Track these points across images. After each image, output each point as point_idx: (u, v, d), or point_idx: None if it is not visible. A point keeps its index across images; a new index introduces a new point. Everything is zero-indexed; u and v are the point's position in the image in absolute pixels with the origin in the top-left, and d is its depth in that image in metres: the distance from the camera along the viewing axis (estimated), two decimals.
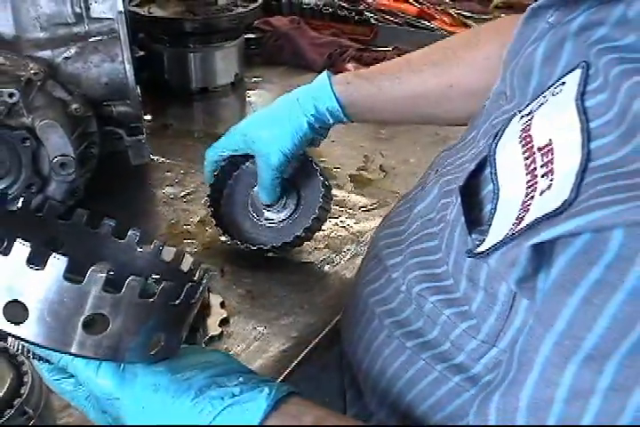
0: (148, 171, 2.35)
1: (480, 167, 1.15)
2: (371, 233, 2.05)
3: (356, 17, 3.58)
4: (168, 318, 1.08)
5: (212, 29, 2.84)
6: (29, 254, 1.01)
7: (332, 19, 3.59)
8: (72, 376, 1.14)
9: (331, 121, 1.78)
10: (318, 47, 3.21)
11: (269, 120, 1.76)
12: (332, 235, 2.09)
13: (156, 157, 2.39)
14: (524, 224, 0.94)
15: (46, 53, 1.94)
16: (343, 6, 3.72)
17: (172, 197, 2.23)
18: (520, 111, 1.12)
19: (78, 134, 1.91)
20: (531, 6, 1.18)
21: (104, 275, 1.01)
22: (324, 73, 1.73)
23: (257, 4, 2.95)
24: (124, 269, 1.29)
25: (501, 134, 1.13)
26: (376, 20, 3.60)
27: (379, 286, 1.38)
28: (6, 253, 1.01)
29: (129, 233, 1.36)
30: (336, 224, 2.14)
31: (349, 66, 3.06)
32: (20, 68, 1.86)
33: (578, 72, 1.01)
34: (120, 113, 2.02)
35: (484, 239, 1.06)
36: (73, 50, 1.95)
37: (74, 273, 1.03)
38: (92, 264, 1.04)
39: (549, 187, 0.95)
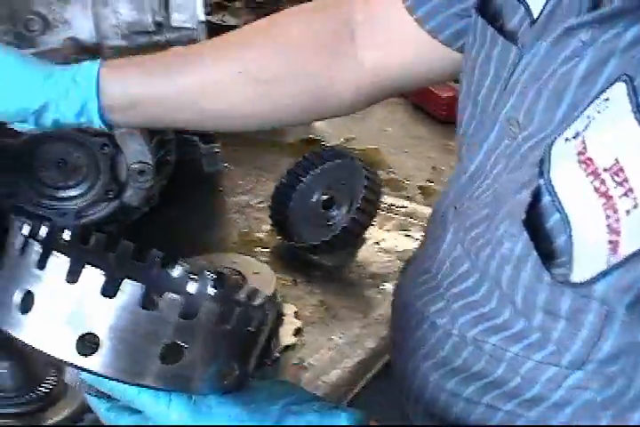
0: (219, 178, 2.36)
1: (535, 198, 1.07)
2: None
3: None
4: (241, 346, 1.05)
5: None
6: (102, 282, 0.97)
7: None
8: (134, 413, 1.07)
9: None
10: None
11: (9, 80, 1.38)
12: (403, 248, 2.08)
13: (226, 164, 2.39)
14: (628, 248, 0.93)
15: None
16: None
17: (243, 204, 2.25)
18: (560, 134, 1.06)
19: (156, 142, 1.93)
20: (565, 26, 1.11)
21: (180, 301, 0.98)
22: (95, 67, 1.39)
23: None
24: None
25: (549, 161, 1.06)
26: None
27: (421, 337, 1.32)
28: (74, 280, 0.98)
29: (177, 266, 1.33)
30: (406, 236, 2.14)
31: None
32: None
33: (622, 85, 0.97)
34: None
35: (570, 269, 1.02)
36: None
37: None
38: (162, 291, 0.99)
39: (636, 206, 0.93)
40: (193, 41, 1.95)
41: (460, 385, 1.24)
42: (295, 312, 1.81)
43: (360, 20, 1.41)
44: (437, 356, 1.28)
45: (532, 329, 1.13)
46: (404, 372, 1.36)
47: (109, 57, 1.86)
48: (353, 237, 1.98)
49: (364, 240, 2.10)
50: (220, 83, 1.39)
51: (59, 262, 0.98)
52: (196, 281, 1.27)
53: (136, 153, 1.87)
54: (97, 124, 1.37)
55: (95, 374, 0.98)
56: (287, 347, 1.72)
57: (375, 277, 1.98)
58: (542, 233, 1.07)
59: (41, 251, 1.00)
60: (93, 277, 0.96)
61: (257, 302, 1.20)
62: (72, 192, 1.96)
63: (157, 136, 1.94)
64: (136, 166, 1.87)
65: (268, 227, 2.13)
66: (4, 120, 1.37)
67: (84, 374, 1.03)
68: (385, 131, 2.70)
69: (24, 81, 1.32)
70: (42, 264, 0.99)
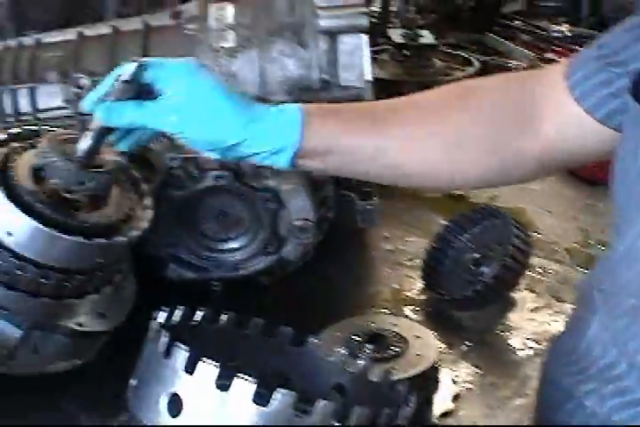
0: (368, 232, 2.36)
1: None
2: None
3: None
4: None
5: None
6: (218, 375, 1.00)
7: None
8: None
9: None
10: None
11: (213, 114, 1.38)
12: (554, 313, 2.06)
13: None
14: None
15: None
16: None
17: (393, 261, 2.24)
18: None
19: (318, 198, 1.94)
20: None
21: (333, 407, 0.99)
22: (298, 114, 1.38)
23: (475, 69, 2.95)
24: (307, 380, 1.26)
25: None
26: None
27: (567, 415, 1.30)
28: (225, 387, 1.00)
29: (309, 341, 1.33)
30: (558, 301, 2.12)
31: None
32: None
33: None
34: None
35: None
36: None
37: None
38: (278, 385, 1.00)
39: None
40: (359, 99, 1.96)
41: None
42: (453, 378, 1.78)
43: (538, 95, 1.41)
44: None
45: None
46: None
47: None
48: (500, 292, 1.97)
49: (515, 303, 2.07)
50: (417, 141, 1.39)
51: (209, 369, 1.00)
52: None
53: (300, 209, 1.88)
54: (284, 165, 1.37)
55: None
56: (445, 413, 1.69)
57: (530, 344, 1.94)
58: None
59: (188, 355, 1.03)
60: (245, 386, 0.98)
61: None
62: (231, 244, 1.98)
63: (320, 193, 1.95)
64: (299, 223, 1.89)
65: (419, 285, 2.12)
66: (195, 147, 1.39)
67: None
68: (530, 189, 2.67)
69: (227, 115, 1.33)
70: (190, 369, 1.02)
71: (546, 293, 2.15)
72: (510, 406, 1.74)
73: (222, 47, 2.01)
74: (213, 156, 1.40)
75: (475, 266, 2.07)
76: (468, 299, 1.96)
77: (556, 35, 4.34)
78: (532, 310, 2.07)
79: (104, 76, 1.73)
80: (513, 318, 2.04)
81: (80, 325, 1.75)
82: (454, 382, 1.78)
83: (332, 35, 1.93)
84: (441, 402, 1.71)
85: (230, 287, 2.01)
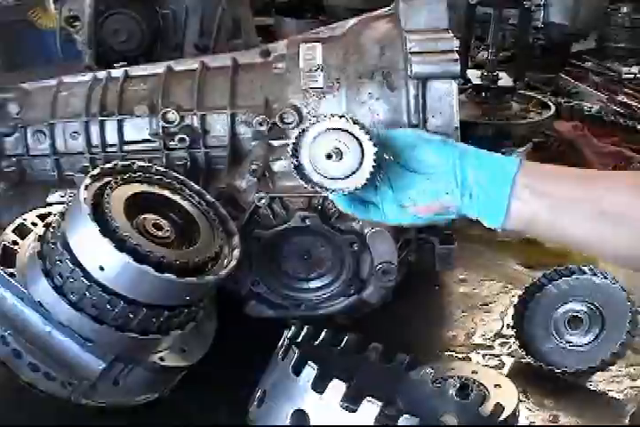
0: (443, 274, 2.36)
1: None
2: None
3: (638, 125, 3.53)
4: None
5: (506, 135, 2.86)
6: (344, 396, 1.05)
7: (613, 126, 3.55)
8: None
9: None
10: (602, 157, 3.18)
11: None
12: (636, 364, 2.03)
13: None
14: None
15: None
16: (620, 112, 3.69)
17: (469, 304, 2.24)
18: None
19: (401, 242, 1.94)
20: None
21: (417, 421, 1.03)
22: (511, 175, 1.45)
23: (551, 113, 2.95)
24: (416, 406, 1.28)
25: None
26: None
27: None
28: (353, 409, 1.05)
29: (422, 371, 1.36)
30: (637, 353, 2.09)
31: None
32: None
33: None
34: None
35: None
36: None
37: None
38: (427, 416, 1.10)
39: None
40: None
41: None
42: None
43: None
44: None
45: None
46: None
47: None
48: (607, 366, 1.94)
49: None
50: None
51: (337, 390, 1.05)
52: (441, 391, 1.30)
53: (383, 253, 1.89)
54: None
55: None
56: None
57: (609, 395, 1.92)
58: None
59: (317, 374, 1.08)
60: (370, 408, 1.03)
61: (501, 417, 1.21)
62: (313, 284, 1.99)
63: (402, 237, 1.95)
64: (382, 266, 1.89)
65: (494, 330, 2.11)
66: None
67: None
68: None
69: None
70: (319, 388, 1.06)
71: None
72: None
73: (311, 88, 2.02)
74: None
75: (567, 327, 2.04)
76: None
77: (627, 76, 4.33)
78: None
79: (191, 111, 1.79)
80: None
81: (162, 359, 1.77)
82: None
83: (423, 80, 1.94)
84: None
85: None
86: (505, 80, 3.01)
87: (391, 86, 1.97)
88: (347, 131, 1.42)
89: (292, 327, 1.22)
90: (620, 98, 4.00)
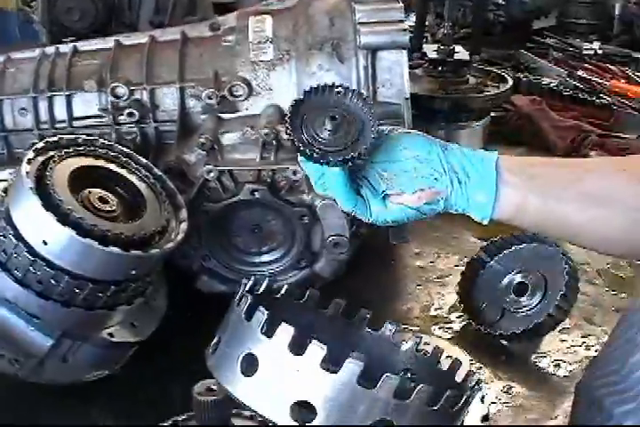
0: (398, 249, 2.35)
1: None
2: None
3: (596, 100, 3.52)
4: (446, 424, 1.10)
5: (463, 109, 2.85)
6: (324, 357, 1.04)
7: (572, 100, 3.55)
8: None
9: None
10: (560, 130, 3.18)
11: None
12: (588, 336, 2.04)
13: None
14: None
15: None
16: (579, 87, 3.69)
17: (425, 278, 2.23)
18: None
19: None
20: None
21: (397, 382, 1.03)
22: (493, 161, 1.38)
23: (509, 86, 2.94)
24: (378, 363, 1.29)
25: None
26: (613, 103, 3.55)
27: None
28: (299, 352, 1.05)
29: (385, 326, 1.37)
30: (590, 324, 2.09)
31: (593, 153, 3.01)
32: None
33: None
34: None
35: None
36: None
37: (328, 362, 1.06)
38: (384, 370, 1.06)
39: None
40: (397, 116, 1.95)
41: None
42: (482, 397, 1.77)
43: None
44: None
45: None
46: None
47: None
48: (545, 331, 1.94)
49: None
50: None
51: (286, 333, 1.05)
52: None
53: (334, 225, 1.87)
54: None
55: None
56: None
57: (562, 366, 1.92)
58: None
59: (268, 319, 1.08)
60: (317, 351, 1.03)
61: (469, 383, 1.22)
62: (264, 258, 1.98)
63: None
64: (333, 239, 1.87)
65: (449, 303, 2.10)
66: None
67: None
68: None
69: None
70: (269, 333, 1.07)
71: (577, 315, 2.13)
72: None
73: (261, 60, 2.00)
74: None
75: (515, 294, 2.03)
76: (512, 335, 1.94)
77: (587, 52, 4.33)
78: (562, 332, 2.05)
79: (140, 85, 1.77)
80: (544, 339, 2.01)
81: (111, 335, 1.74)
82: (482, 401, 1.76)
83: (372, 51, 1.92)
84: (470, 422, 1.69)
85: None
86: (461, 54, 3.00)
87: (341, 57, 1.96)
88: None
89: (252, 278, 1.22)
90: (580, 73, 3.99)
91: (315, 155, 1.26)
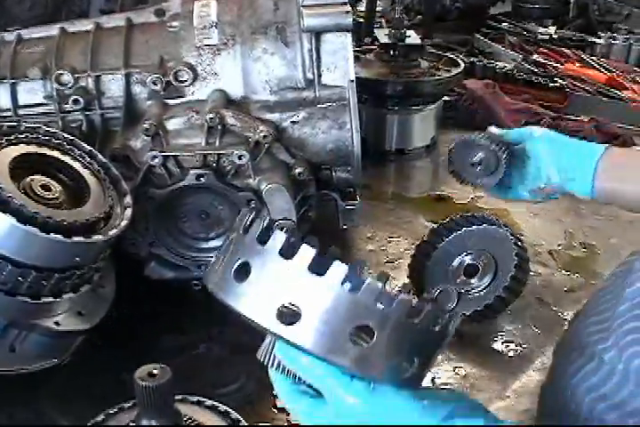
0: (349, 233, 2.35)
1: None
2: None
3: (549, 83, 3.54)
4: (425, 344, 1.12)
5: (414, 93, 2.85)
6: (312, 260, 1.06)
7: (525, 84, 3.56)
8: (312, 397, 1.18)
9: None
10: (513, 113, 3.18)
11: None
12: (540, 316, 2.04)
13: None
14: None
15: (274, 116, 1.97)
16: (534, 71, 3.70)
17: (376, 262, 2.23)
18: None
19: (300, 198, 1.92)
20: None
21: (380, 287, 1.05)
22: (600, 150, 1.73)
23: (460, 70, 2.95)
24: None
25: None
26: (566, 86, 3.56)
27: (586, 374, 1.36)
28: (290, 256, 1.07)
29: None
30: (541, 302, 2.10)
31: None
32: (249, 130, 1.89)
33: None
34: (339, 178, 2.03)
35: None
36: (301, 115, 1.97)
37: None
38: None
39: None
40: (342, 98, 1.95)
41: (622, 420, 1.28)
42: (432, 379, 1.77)
43: None
44: (600, 392, 1.32)
45: None
46: (563, 410, 1.39)
47: (256, 111, 1.88)
48: (495, 312, 1.94)
49: None
50: None
51: (279, 239, 1.08)
52: None
53: (281, 209, 1.86)
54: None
55: (291, 344, 1.08)
56: None
57: (513, 346, 1.93)
58: None
59: (264, 227, 1.12)
60: (306, 255, 1.06)
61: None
62: (212, 244, 1.97)
63: (301, 193, 1.93)
64: (280, 223, 1.87)
65: (400, 285, 2.10)
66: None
67: (277, 350, 1.15)
68: None
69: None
70: (263, 240, 1.09)
71: (528, 295, 2.13)
72: (490, 408, 1.72)
73: (206, 45, 1.99)
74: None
75: (465, 276, 2.03)
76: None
77: (542, 37, 4.35)
78: (514, 313, 2.05)
79: (85, 73, 1.77)
80: (495, 320, 2.02)
81: (58, 324, 1.72)
82: (433, 382, 1.76)
83: (316, 34, 1.92)
84: None
85: None
86: (413, 38, 3.00)
87: (285, 41, 1.95)
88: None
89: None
90: (535, 57, 4.01)
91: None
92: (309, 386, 1.18)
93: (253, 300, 1.09)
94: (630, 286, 1.35)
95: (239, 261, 1.11)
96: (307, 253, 1.06)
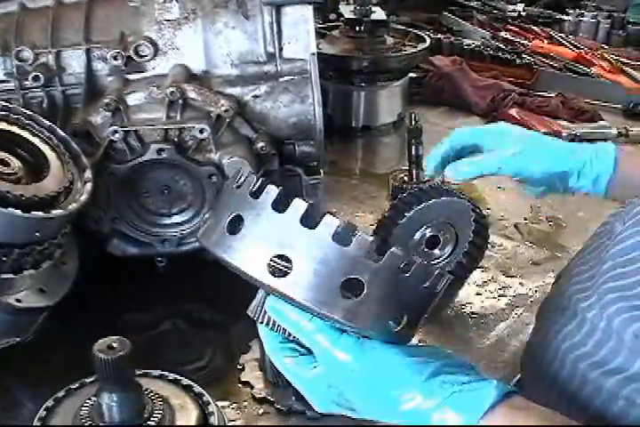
0: (315, 209, 2.34)
1: None
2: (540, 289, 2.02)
3: (516, 60, 3.54)
4: (414, 299, 1.13)
5: (379, 68, 2.85)
6: (304, 212, 1.07)
7: (492, 60, 3.57)
8: (302, 355, 1.20)
9: (584, 189, 1.71)
10: (480, 90, 3.19)
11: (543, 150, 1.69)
12: (503, 288, 2.05)
13: None
14: None
15: (236, 90, 1.96)
16: (502, 48, 3.70)
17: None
18: None
19: (262, 172, 1.92)
20: None
21: (371, 240, 1.06)
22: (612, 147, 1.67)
23: (426, 45, 2.95)
24: None
25: None
26: (534, 63, 3.57)
27: (569, 333, 1.38)
28: (282, 210, 1.07)
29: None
30: (506, 276, 2.11)
31: (513, 111, 3.02)
32: (210, 104, 1.88)
33: None
34: (302, 152, 2.02)
35: None
36: (263, 88, 1.96)
37: None
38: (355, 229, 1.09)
39: None
40: (304, 72, 1.94)
41: (604, 378, 1.29)
42: None
43: None
44: (584, 350, 1.34)
45: None
46: (549, 367, 1.41)
47: (218, 86, 1.87)
48: (456, 280, 1.93)
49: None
50: None
51: (271, 192, 1.09)
52: None
53: None
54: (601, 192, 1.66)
55: (281, 295, 1.09)
56: None
57: (476, 318, 1.93)
58: None
59: (258, 183, 1.11)
60: (298, 207, 1.06)
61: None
62: (175, 219, 1.96)
63: (263, 167, 1.92)
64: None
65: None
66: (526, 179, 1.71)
67: (268, 305, 1.17)
68: None
69: (552, 152, 1.66)
70: (256, 194, 1.10)
71: (494, 268, 2.14)
72: None
73: (166, 19, 1.98)
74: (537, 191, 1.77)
75: (427, 247, 2.01)
76: None
77: (511, 14, 4.35)
78: (479, 285, 2.06)
79: (46, 49, 1.76)
80: (461, 294, 2.02)
81: (19, 301, 1.71)
82: None
83: (277, 6, 1.91)
84: None
85: (176, 263, 1.99)
86: (378, 14, 2.99)
87: (246, 14, 1.94)
88: None
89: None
90: (503, 34, 4.01)
91: None
92: (299, 344, 1.20)
93: (245, 252, 1.10)
94: (613, 247, 1.37)
95: (232, 215, 1.12)
96: (299, 206, 1.07)
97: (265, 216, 1.08)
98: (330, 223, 1.05)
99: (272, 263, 1.08)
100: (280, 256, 1.08)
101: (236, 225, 1.11)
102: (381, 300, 1.08)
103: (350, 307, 1.07)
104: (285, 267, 1.08)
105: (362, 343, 1.12)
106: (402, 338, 1.14)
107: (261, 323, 1.21)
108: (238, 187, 1.13)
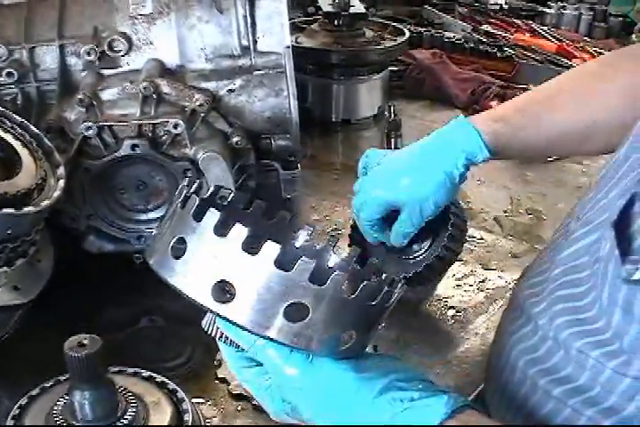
0: (294, 203, 2.33)
1: (629, 203, 1.14)
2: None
3: (498, 53, 3.53)
4: (363, 317, 1.13)
5: (359, 62, 2.84)
6: (245, 239, 1.06)
7: (473, 53, 3.56)
8: (257, 365, 1.21)
9: (478, 163, 1.73)
10: (461, 82, 3.18)
11: (417, 172, 1.73)
12: (482, 281, 2.04)
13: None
14: None
15: (210, 85, 1.95)
16: (483, 41, 3.69)
17: (318, 231, 2.20)
18: None
19: (238, 167, 1.91)
20: None
21: (312, 265, 1.06)
22: (462, 119, 1.70)
23: (405, 38, 2.94)
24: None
25: None
26: (516, 55, 3.56)
27: (523, 336, 1.37)
28: (224, 234, 1.07)
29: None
30: (485, 269, 2.10)
31: (493, 103, 3.01)
32: (184, 99, 1.87)
33: None
34: (279, 147, 2.01)
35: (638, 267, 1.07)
36: (237, 82, 1.95)
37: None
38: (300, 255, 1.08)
39: None
40: (278, 65, 1.93)
41: (552, 387, 1.27)
42: (374, 347, 1.75)
43: None
44: (535, 355, 1.32)
45: (611, 337, 1.15)
46: (503, 368, 1.40)
47: (193, 80, 1.86)
48: (436, 274, 1.92)
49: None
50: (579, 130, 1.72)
51: (213, 217, 1.08)
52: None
53: (219, 178, 1.84)
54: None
55: (227, 320, 1.09)
56: None
57: (456, 312, 1.92)
58: (626, 235, 1.13)
59: (200, 205, 1.11)
60: (240, 234, 1.06)
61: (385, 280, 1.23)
62: (151, 215, 1.95)
63: (239, 161, 1.91)
64: (221, 191, 1.84)
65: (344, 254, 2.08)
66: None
67: (219, 322, 1.18)
68: None
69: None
70: (199, 217, 1.09)
71: (473, 261, 2.14)
72: (432, 374, 1.72)
73: (140, 14, 1.96)
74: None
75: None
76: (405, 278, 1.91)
77: (493, 7, 4.35)
78: (458, 279, 2.05)
79: (19, 45, 1.75)
80: (440, 287, 2.02)
81: None
82: (376, 350, 1.75)
83: None
84: None
85: None
86: (357, 7, 2.98)
87: (220, 8, 1.93)
88: None
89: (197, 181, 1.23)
90: (485, 27, 4.01)
91: None
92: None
93: (189, 277, 1.10)
94: (566, 248, 1.33)
95: (176, 238, 1.11)
96: (240, 231, 1.06)
97: (207, 241, 1.08)
98: (271, 250, 1.05)
99: (216, 288, 1.08)
100: (223, 281, 1.07)
101: (179, 247, 1.11)
102: (327, 322, 1.08)
103: (296, 331, 1.08)
104: (229, 292, 1.08)
105: (312, 360, 1.13)
106: (352, 352, 1.14)
107: (214, 337, 1.21)
108: (182, 206, 1.13)
